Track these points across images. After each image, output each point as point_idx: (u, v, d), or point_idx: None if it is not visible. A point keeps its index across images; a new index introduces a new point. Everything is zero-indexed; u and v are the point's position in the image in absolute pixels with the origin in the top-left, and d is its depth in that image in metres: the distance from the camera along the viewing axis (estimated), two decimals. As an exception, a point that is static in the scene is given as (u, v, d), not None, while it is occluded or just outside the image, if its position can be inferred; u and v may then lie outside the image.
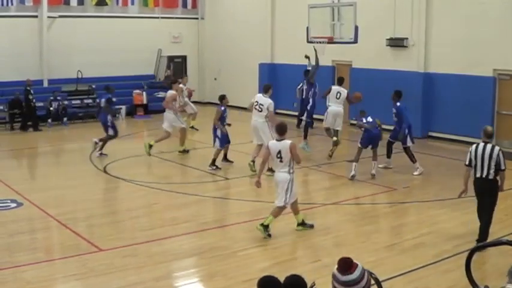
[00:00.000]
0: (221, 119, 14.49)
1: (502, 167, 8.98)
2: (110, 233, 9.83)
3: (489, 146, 9.01)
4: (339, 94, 15.95)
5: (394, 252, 8.91)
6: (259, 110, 13.95)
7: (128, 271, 8.13)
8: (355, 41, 16.45)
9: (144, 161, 15.63)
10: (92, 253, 8.82)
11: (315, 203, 11.66)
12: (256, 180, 9.99)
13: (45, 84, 23.19)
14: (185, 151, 16.39)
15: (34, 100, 20.83)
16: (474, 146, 9.17)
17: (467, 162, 9.17)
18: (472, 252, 5.37)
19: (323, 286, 7.24)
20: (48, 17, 23.12)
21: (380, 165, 14.15)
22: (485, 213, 9.20)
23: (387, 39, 19.28)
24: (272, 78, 23.64)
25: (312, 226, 10.01)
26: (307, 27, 17.54)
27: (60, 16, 23.39)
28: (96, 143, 16.02)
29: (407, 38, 18.89)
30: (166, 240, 9.54)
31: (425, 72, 18.62)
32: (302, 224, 9.94)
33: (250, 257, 8.72)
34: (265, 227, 9.46)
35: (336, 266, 3.70)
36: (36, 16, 23.00)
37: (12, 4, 22.44)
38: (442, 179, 13.87)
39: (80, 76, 23.14)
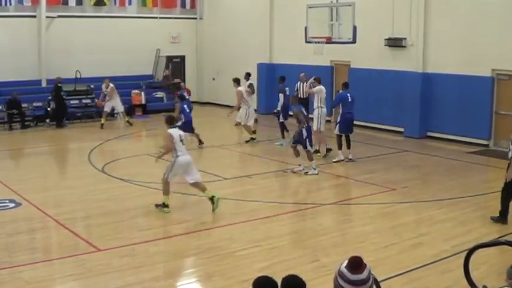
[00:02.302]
0: None
1: None
2: (108, 233, 9.81)
3: None
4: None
5: (392, 252, 8.90)
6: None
7: (126, 271, 8.12)
8: (354, 41, 16.47)
9: (142, 161, 15.61)
10: (90, 253, 8.80)
11: (313, 203, 11.65)
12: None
13: (44, 84, 23.16)
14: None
15: (64, 97, 21.67)
16: None
17: None
18: (470, 252, 5.38)
19: (321, 286, 7.25)
20: (47, 17, 23.11)
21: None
22: None
23: (386, 39, 19.27)
24: (270, 78, 23.66)
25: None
26: (306, 27, 17.55)
27: (59, 16, 23.38)
28: None
29: (405, 38, 18.89)
30: (165, 240, 9.53)
31: (424, 72, 18.62)
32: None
33: (248, 257, 8.70)
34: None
35: (345, 264, 3.69)
36: (34, 16, 22.98)
37: (10, 4, 22.42)
38: (440, 179, 13.87)
39: (78, 76, 23.10)
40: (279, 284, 3.82)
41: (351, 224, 10.68)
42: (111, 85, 21.35)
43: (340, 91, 15.55)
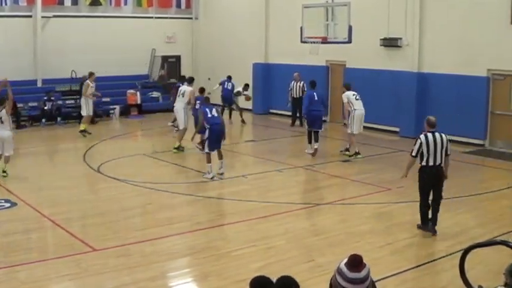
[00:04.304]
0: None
1: (449, 152, 9.71)
2: (104, 233, 9.81)
3: (438, 135, 9.67)
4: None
5: (387, 253, 8.92)
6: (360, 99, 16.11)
7: (122, 271, 8.12)
8: (349, 41, 16.48)
9: (138, 161, 15.61)
10: (86, 253, 8.80)
11: (308, 203, 11.67)
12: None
13: (39, 84, 23.12)
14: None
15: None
16: (423, 136, 9.62)
17: (414, 154, 9.62)
18: (465, 252, 5.40)
19: (316, 286, 7.26)
20: (42, 16, 23.05)
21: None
22: (439, 198, 9.77)
23: (381, 39, 19.30)
24: (266, 78, 23.68)
25: None
26: (301, 27, 17.56)
27: (54, 16, 23.33)
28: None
29: (401, 38, 18.91)
30: (160, 240, 9.53)
31: (419, 72, 18.64)
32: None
33: (244, 257, 8.71)
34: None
35: (345, 262, 3.69)
36: (30, 16, 22.92)
37: (6, 4, 22.36)
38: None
39: (74, 76, 23.08)
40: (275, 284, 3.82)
41: (347, 223, 10.68)
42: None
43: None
